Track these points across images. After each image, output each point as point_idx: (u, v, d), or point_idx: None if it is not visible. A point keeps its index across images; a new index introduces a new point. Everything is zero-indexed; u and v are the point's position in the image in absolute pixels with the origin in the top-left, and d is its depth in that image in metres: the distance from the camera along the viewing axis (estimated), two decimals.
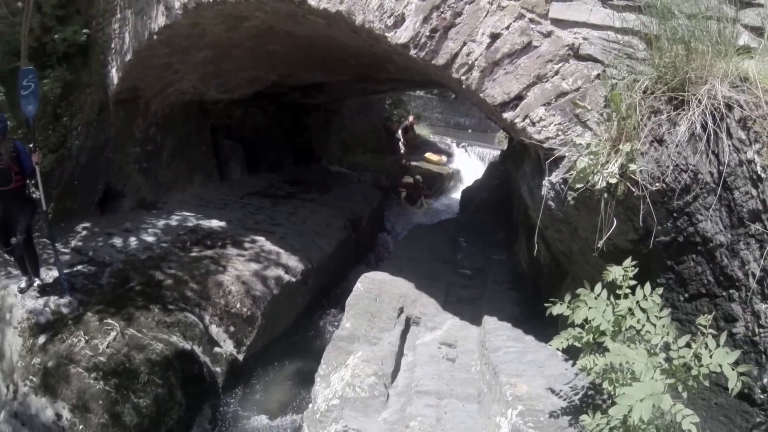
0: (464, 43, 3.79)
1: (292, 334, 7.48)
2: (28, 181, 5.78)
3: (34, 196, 5.86)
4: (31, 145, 5.74)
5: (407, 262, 7.40)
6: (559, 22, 3.47)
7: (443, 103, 24.78)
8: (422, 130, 21.27)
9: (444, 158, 19.31)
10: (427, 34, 3.90)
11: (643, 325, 2.76)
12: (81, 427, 5.04)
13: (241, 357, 6.56)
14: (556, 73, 3.50)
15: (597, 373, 2.86)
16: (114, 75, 7.66)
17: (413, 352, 5.50)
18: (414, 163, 17.58)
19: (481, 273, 7.29)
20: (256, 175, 11.34)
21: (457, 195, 16.07)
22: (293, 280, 7.52)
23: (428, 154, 18.75)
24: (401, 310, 6.17)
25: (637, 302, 2.82)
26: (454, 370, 4.99)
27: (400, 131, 17.91)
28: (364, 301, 6.24)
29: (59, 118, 7.64)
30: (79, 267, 6.71)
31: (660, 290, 2.86)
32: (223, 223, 8.38)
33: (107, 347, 5.46)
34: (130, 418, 5.17)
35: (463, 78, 3.85)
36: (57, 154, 7.45)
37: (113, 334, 5.60)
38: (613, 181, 3.00)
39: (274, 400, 6.40)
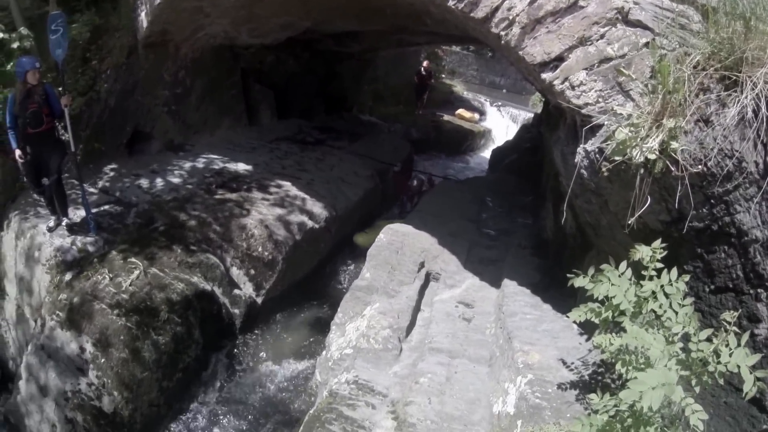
0: None
1: (312, 280, 7.54)
2: (57, 124, 5.83)
3: (63, 138, 5.88)
4: (60, 89, 5.76)
5: (432, 218, 7.37)
6: None
7: (479, 61, 24.11)
8: (456, 86, 20.89)
9: (476, 116, 18.99)
10: None
11: (665, 311, 2.68)
12: (102, 360, 5.21)
13: (259, 300, 6.67)
14: (602, 36, 3.35)
15: (611, 353, 2.82)
16: (143, 19, 7.56)
17: (430, 308, 5.53)
18: (446, 117, 17.29)
19: (505, 235, 7.22)
20: (285, 120, 11.25)
21: (486, 154, 15.91)
22: (316, 226, 7.55)
23: (460, 111, 18.45)
24: (422, 265, 6.20)
25: (662, 286, 2.74)
26: (469, 330, 5.01)
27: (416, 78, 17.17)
28: (386, 252, 6.29)
29: (88, 61, 7.58)
30: (106, 207, 6.81)
31: (686, 277, 2.76)
32: (249, 167, 8.37)
33: (130, 285, 5.58)
34: (149, 354, 5.34)
35: (503, 34, 3.72)
36: (86, 97, 7.44)
37: (136, 272, 5.71)
38: (652, 157, 2.88)
39: (289, 344, 6.53)
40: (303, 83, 11.88)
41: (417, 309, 5.56)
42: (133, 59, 7.93)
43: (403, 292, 5.69)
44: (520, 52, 3.68)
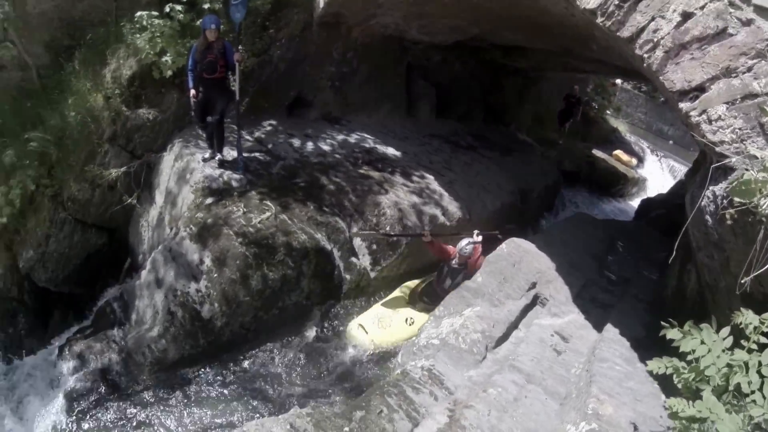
0: (653, 18, 3.57)
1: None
2: (229, 75, 6.59)
3: (232, 87, 6.65)
4: (238, 48, 6.49)
5: (557, 243, 7.23)
6: (763, 11, 3.09)
7: (649, 104, 22.60)
8: (620, 126, 19.91)
9: (634, 161, 17.93)
10: (616, 3, 3.74)
11: (753, 391, 2.41)
12: (215, 275, 5.79)
13: (372, 275, 6.92)
14: (749, 69, 3.13)
15: (683, 423, 2.58)
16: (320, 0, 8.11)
17: (527, 329, 5.46)
18: (602, 155, 16.54)
19: (625, 283, 6.89)
20: (443, 120, 11.41)
21: (635, 202, 15.13)
22: (447, 224, 7.63)
23: (618, 152, 17.51)
24: (533, 285, 6.14)
25: (759, 362, 2.47)
26: (556, 362, 4.87)
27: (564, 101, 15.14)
28: (503, 263, 6.30)
29: (266, 29, 8.29)
30: (257, 154, 7.41)
31: None
32: (398, 153, 8.64)
33: (259, 222, 6.09)
34: (255, 283, 5.84)
35: (646, 56, 3.63)
36: (259, 59, 8.16)
37: (268, 213, 6.21)
38: None
39: None
40: (466, 88, 11.99)
41: (514, 325, 5.52)
42: (307, 34, 8.53)
43: (506, 305, 5.68)
44: (661, 77, 3.55)
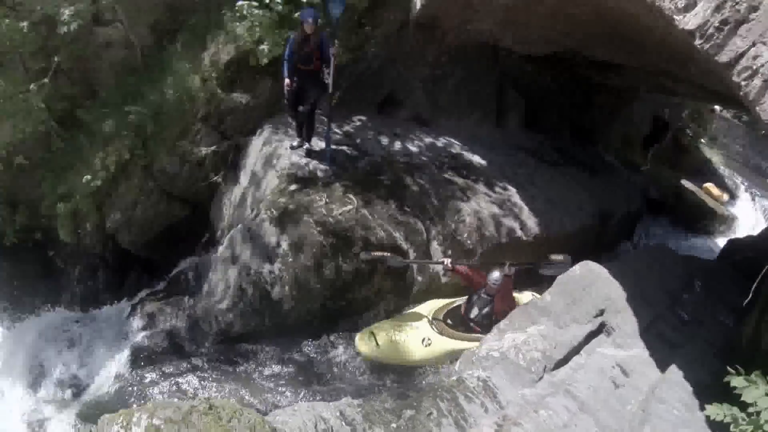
0: (753, 44, 3.41)
1: None
2: (324, 67, 6.63)
3: (325, 80, 6.70)
4: (333, 42, 6.54)
5: (632, 272, 6.82)
6: None
7: (749, 136, 20.82)
8: (714, 157, 18.77)
9: (725, 197, 16.78)
10: (716, 25, 3.57)
11: None
12: (290, 260, 5.95)
13: (444, 280, 6.84)
14: None
15: None
16: (417, 1, 8.06)
17: (588, 356, 5.27)
18: (691, 187, 15.65)
19: (698, 325, 6.49)
20: (530, 133, 11.12)
21: (720, 241, 14.19)
22: (523, 238, 7.52)
23: (709, 185, 16.44)
24: (601, 312, 5.87)
25: None
26: (612, 395, 4.69)
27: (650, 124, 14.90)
28: (574, 285, 6.08)
29: (362, 26, 8.34)
30: (344, 148, 7.49)
31: None
32: (483, 162, 8.50)
33: (340, 214, 6.16)
34: (328, 273, 5.95)
35: (743, 83, 3.46)
36: (354, 55, 8.22)
37: (349, 206, 6.28)
38: None
39: None
40: (555, 102, 11.69)
41: (575, 350, 5.32)
42: (402, 34, 8.54)
43: (571, 329, 5.50)
44: (757, 108, 3.38)
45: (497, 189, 7.94)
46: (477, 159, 8.55)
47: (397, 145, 8.00)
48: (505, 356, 4.92)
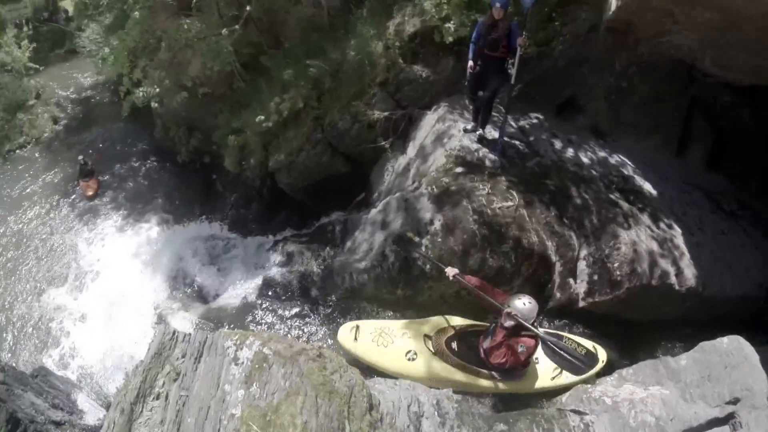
0: None
1: (625, 333, 6.76)
2: (509, 58, 6.42)
3: (508, 69, 6.51)
4: (522, 32, 6.23)
5: None
6: None
7: None
8: None
9: None
10: None
11: None
12: (439, 239, 5.98)
13: (580, 303, 6.48)
14: None
15: None
16: (613, 2, 7.48)
17: None
18: None
19: None
20: (712, 172, 9.84)
21: None
22: (676, 287, 6.77)
23: None
24: (735, 401, 5.10)
25: None
26: None
27: None
28: (716, 358, 5.36)
29: (552, 20, 8.00)
30: (516, 142, 7.27)
31: None
32: (654, 192, 7.81)
33: (499, 208, 6.04)
34: (473, 262, 5.89)
35: None
36: (539, 49, 7.91)
37: (510, 203, 6.13)
38: None
39: None
40: (749, 143, 10.37)
41: None
42: (592, 36, 8.03)
43: (696, 406, 4.94)
44: None
45: (662, 225, 7.27)
46: (648, 187, 7.89)
47: (570, 152, 7.62)
48: (617, 407, 4.67)
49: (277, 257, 8.45)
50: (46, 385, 6.35)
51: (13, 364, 6.66)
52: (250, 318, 7.81)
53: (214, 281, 9.04)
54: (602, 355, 5.56)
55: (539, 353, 5.27)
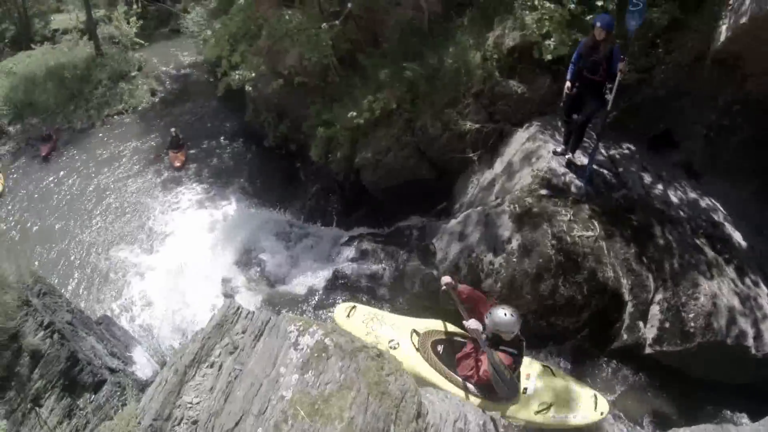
0: None
1: (687, 390, 6.41)
2: (607, 81, 6.19)
3: (606, 95, 6.29)
4: (622, 56, 5.93)
5: None
6: None
7: None
8: None
9: None
10: None
11: None
12: (514, 259, 6.05)
13: (648, 350, 6.17)
14: None
15: None
16: (722, 32, 7.01)
17: None
18: None
19: None
20: None
21: None
22: (751, 351, 6.23)
23: None
24: None
25: None
26: None
27: None
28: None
29: (655, 47, 7.67)
30: (604, 171, 7.04)
31: None
32: (743, 244, 7.24)
33: (578, 237, 5.96)
34: (544, 288, 5.85)
35: None
36: (640, 76, 7.64)
37: (591, 233, 6.02)
38: None
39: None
40: None
41: None
42: (696, 66, 7.61)
43: None
44: None
45: (747, 281, 6.74)
46: (738, 237, 7.37)
47: (659, 188, 7.28)
48: None
49: (350, 252, 8.63)
50: (108, 333, 6.75)
51: (81, 308, 7.07)
52: (312, 306, 8.06)
53: (283, 266, 9.30)
54: (603, 406, 5.31)
55: (531, 382, 5.22)
